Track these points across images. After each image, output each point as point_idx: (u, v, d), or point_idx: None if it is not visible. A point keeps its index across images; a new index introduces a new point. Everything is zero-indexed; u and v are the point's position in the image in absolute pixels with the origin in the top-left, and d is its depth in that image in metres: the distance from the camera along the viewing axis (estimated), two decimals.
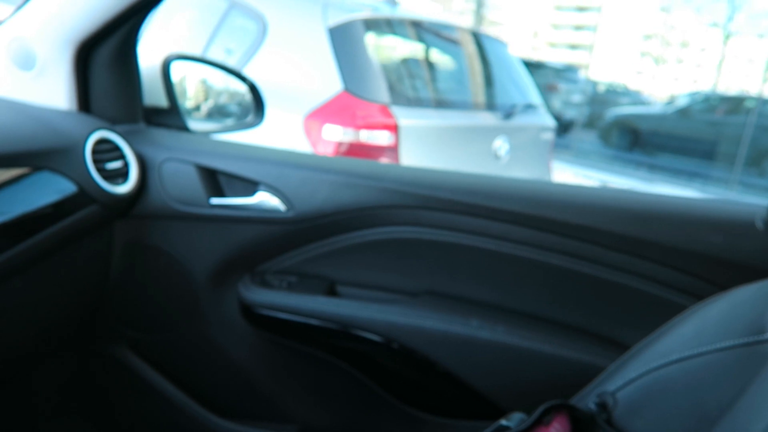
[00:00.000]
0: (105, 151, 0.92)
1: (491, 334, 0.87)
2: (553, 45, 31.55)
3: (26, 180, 0.80)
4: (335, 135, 2.10)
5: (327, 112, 2.11)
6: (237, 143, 1.08)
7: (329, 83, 2.15)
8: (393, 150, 2.15)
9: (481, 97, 2.74)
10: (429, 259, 0.94)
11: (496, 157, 2.51)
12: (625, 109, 11.25)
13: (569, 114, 9.97)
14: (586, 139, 10.62)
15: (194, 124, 1.14)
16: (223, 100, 1.33)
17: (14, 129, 0.84)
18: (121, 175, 0.94)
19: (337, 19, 2.22)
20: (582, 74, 11.86)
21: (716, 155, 8.88)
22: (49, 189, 0.82)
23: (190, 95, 1.26)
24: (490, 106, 2.68)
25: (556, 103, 10.93)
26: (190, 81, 1.25)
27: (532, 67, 12.45)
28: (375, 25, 2.37)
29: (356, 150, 2.11)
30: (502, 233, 0.89)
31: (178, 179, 0.97)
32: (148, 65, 1.07)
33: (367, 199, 0.93)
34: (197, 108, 1.28)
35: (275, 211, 0.96)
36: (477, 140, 2.48)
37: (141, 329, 1.09)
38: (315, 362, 1.02)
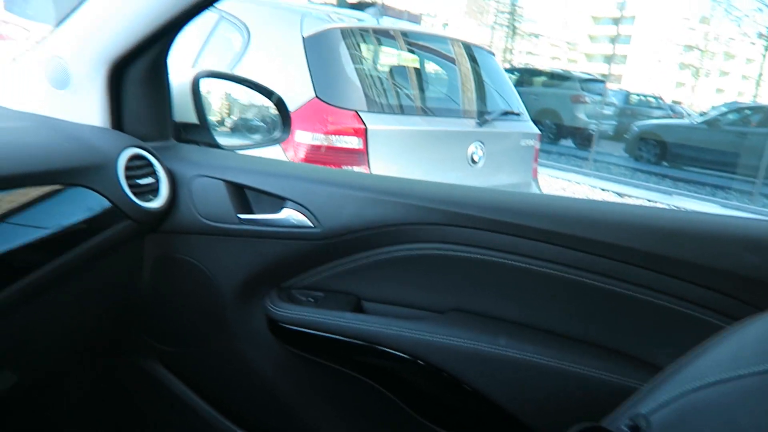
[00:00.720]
0: (137, 167, 0.94)
1: (520, 353, 0.85)
2: (589, 57, 31.13)
3: (61, 196, 0.82)
4: (306, 139, 2.18)
5: (298, 118, 2.20)
6: (265, 159, 1.10)
7: (302, 90, 2.24)
8: (362, 154, 2.23)
9: (457, 104, 2.78)
10: (456, 276, 0.93)
11: (472, 162, 2.55)
12: (652, 121, 11.04)
13: (596, 126, 9.83)
14: (612, 151, 10.47)
15: (222, 140, 1.16)
16: (249, 115, 1.35)
17: (51, 146, 0.86)
18: (152, 191, 0.95)
19: (313, 29, 2.32)
20: (611, 85, 11.69)
21: (742, 167, 8.62)
22: (84, 205, 0.85)
23: (217, 110, 1.28)
24: (466, 112, 2.73)
25: (581, 114, 10.82)
26: (217, 96, 1.27)
27: (557, 78, 12.41)
28: (353, 34, 2.45)
29: (326, 154, 2.20)
30: (531, 251, 0.87)
31: (207, 195, 0.99)
32: (177, 82, 1.10)
33: (394, 216, 0.93)
34: (225, 123, 1.29)
35: (302, 227, 0.96)
36: (450, 145, 2.52)
37: (169, 342, 1.11)
38: (341, 378, 1.01)
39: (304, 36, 2.30)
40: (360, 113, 2.24)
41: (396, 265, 0.95)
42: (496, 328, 0.89)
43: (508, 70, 13.89)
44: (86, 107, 0.97)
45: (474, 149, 2.55)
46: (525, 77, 12.91)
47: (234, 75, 1.31)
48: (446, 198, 0.93)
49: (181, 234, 1.01)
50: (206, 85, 1.17)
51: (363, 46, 2.56)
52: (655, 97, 13.56)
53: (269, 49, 2.40)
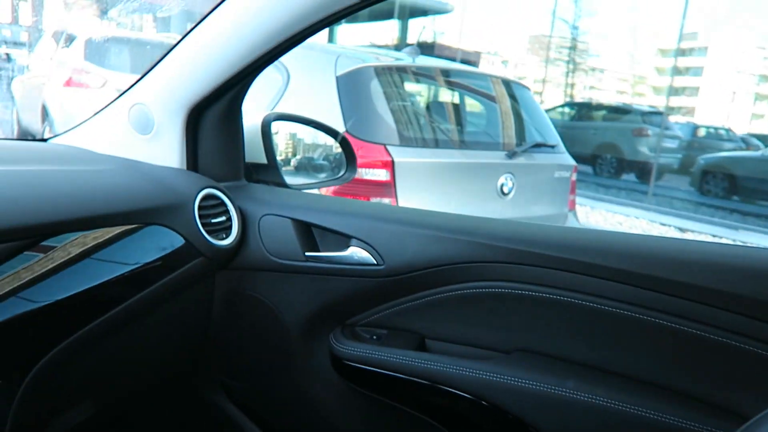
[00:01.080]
0: (211, 206, 0.99)
1: (590, 397, 0.81)
2: (657, 90, 30.25)
3: (141, 234, 0.88)
4: None
5: None
6: (331, 198, 1.15)
7: (333, 125, 2.36)
8: (390, 185, 2.31)
9: (489, 137, 2.84)
10: (523, 316, 0.90)
11: (501, 193, 2.58)
12: (719, 154, 10.59)
13: (656, 159, 9.55)
14: (678, 185, 10.11)
15: (290, 179, 1.21)
16: (315, 154, 1.40)
17: (132, 188, 0.93)
18: (225, 229, 1.00)
19: (345, 68, 2.45)
20: (679, 118, 11.34)
21: None
22: (161, 243, 0.90)
23: (285, 151, 1.33)
24: (497, 145, 2.77)
25: (643, 148, 10.54)
26: (285, 137, 1.33)
27: (617, 112, 12.16)
28: (386, 72, 2.57)
29: (355, 185, 2.29)
30: (601, 290, 0.84)
31: (275, 233, 1.02)
32: (248, 124, 1.15)
33: (459, 254, 0.92)
34: (292, 163, 1.35)
35: (367, 264, 0.97)
36: (480, 177, 2.57)
37: (235, 377, 1.14)
38: (404, 417, 0.99)
39: (337, 75, 2.44)
40: (388, 147, 2.33)
41: (460, 304, 0.94)
42: (565, 370, 0.86)
43: (566, 105, 13.75)
44: (166, 150, 1.03)
45: (504, 181, 2.58)
46: (584, 112, 12.75)
47: (301, 117, 1.35)
48: (511, 236, 0.92)
49: (250, 271, 1.04)
50: (275, 127, 1.22)
51: (396, 83, 2.67)
52: (725, 129, 13.01)
53: (306, 88, 2.55)
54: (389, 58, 2.83)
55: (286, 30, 0.90)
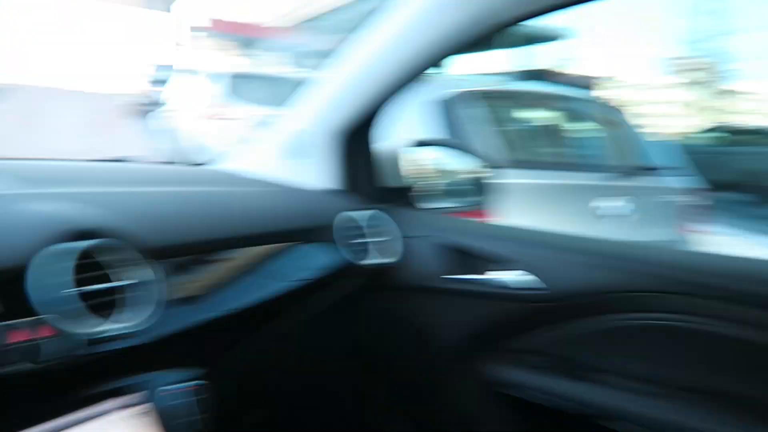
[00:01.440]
0: (365, 227, 1.02)
1: None
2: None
3: (301, 252, 0.92)
4: None
5: None
6: (485, 222, 1.16)
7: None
8: None
9: (585, 159, 2.79)
10: (704, 354, 0.82)
11: (604, 217, 2.53)
12: None
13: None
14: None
15: (432, 203, 1.22)
16: (456, 178, 1.43)
17: (293, 209, 0.99)
18: (380, 249, 1.02)
19: (445, 93, 2.55)
20: None
21: None
22: (318, 261, 0.93)
23: (427, 175, 1.47)
24: (593, 167, 2.71)
25: None
26: (427, 161, 1.47)
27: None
28: (485, 97, 2.63)
29: None
30: None
31: (431, 255, 1.02)
32: (389, 149, 1.19)
33: (626, 282, 0.87)
34: (434, 187, 1.48)
35: (527, 289, 0.94)
36: (576, 200, 2.53)
37: (385, 398, 1.14)
38: None
39: (438, 99, 2.54)
40: None
41: (630, 335, 0.88)
42: (754, 417, 0.77)
43: (708, 130, 12.72)
44: (317, 173, 1.08)
45: (606, 204, 2.53)
46: (727, 136, 11.68)
47: (441, 140, 1.38)
48: (686, 265, 0.86)
49: (404, 291, 1.05)
50: (418, 152, 1.26)
51: (497, 107, 2.71)
52: None
53: (408, 113, 2.67)
54: (491, 83, 2.90)
55: (421, 63, 0.94)
